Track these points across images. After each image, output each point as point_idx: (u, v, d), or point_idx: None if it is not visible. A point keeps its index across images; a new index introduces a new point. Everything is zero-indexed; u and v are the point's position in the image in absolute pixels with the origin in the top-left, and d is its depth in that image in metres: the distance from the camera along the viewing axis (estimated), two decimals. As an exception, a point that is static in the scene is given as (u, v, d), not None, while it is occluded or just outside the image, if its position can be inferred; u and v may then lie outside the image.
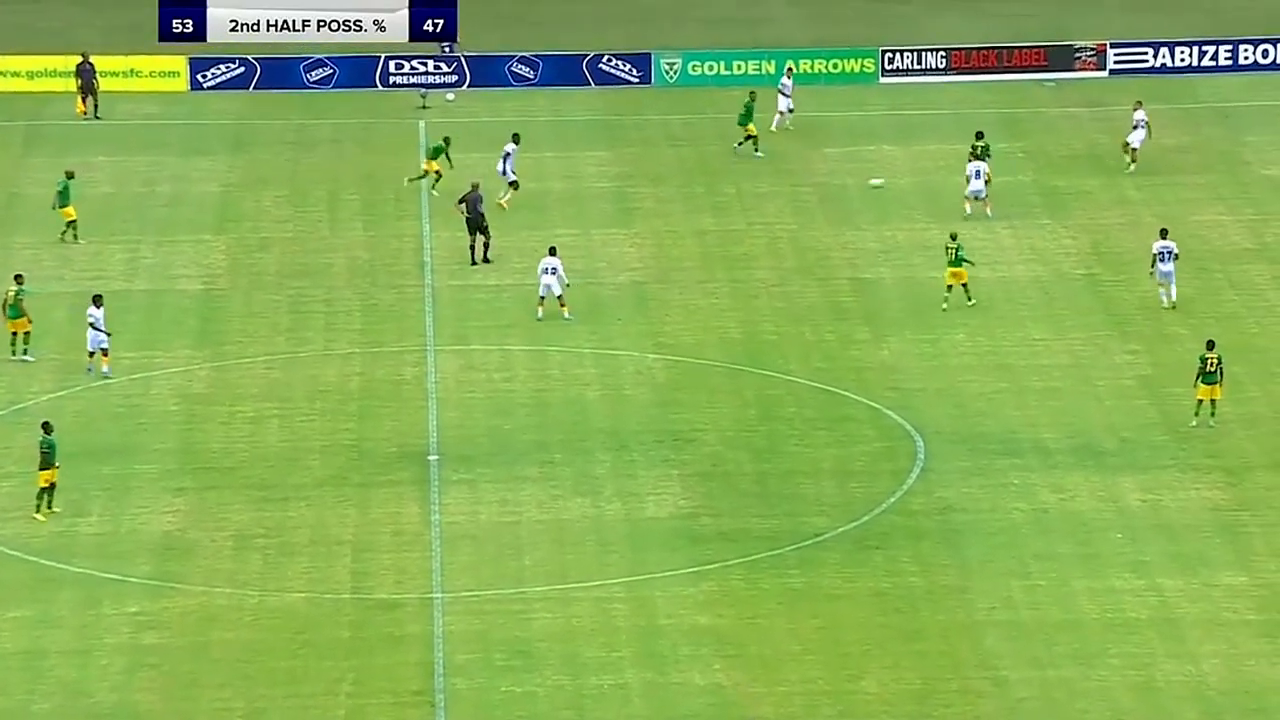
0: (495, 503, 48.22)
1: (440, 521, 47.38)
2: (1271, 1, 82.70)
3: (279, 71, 75.08)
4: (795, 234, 63.53)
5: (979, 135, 65.16)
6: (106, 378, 53.05)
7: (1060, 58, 76.69)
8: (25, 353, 54.23)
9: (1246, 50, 76.92)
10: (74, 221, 61.78)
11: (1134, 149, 67.52)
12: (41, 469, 47.11)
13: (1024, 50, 76.87)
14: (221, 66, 74.92)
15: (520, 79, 75.87)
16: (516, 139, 65.11)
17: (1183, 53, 76.98)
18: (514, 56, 76.09)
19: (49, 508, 47.15)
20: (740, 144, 68.70)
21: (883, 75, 76.34)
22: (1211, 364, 51.00)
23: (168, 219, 64.70)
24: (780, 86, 71.11)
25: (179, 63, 74.63)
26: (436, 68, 75.51)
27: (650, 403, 53.05)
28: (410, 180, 65.49)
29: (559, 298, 57.10)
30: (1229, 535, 46.64)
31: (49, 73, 73.32)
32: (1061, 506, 48.05)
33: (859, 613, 43.84)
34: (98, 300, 53.88)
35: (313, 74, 75.32)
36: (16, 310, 54.17)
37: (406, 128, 72.21)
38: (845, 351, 55.87)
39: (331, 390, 53.66)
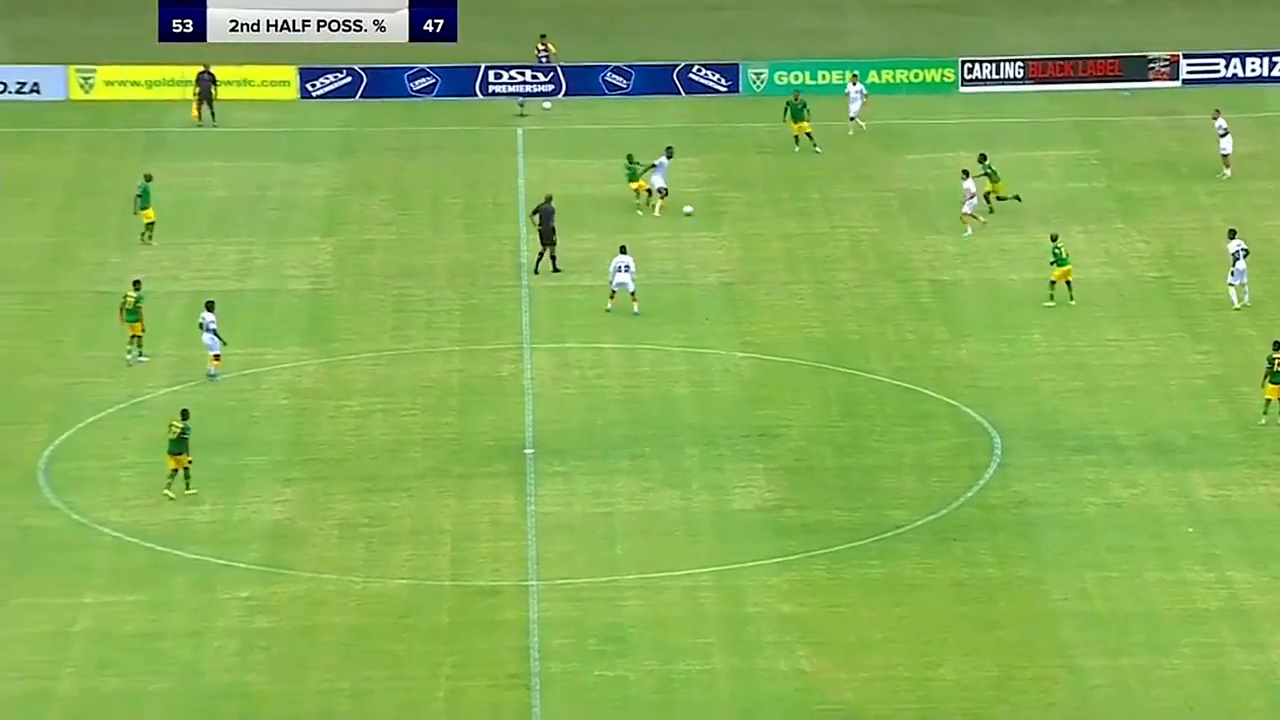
0: (588, 494, 48.25)
1: (536, 512, 47.43)
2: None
3: (384, 81, 75.35)
4: (877, 237, 63.33)
5: (982, 158, 64.29)
6: (213, 378, 52.89)
7: (1134, 68, 76.19)
8: (140, 355, 54.30)
9: (1315, 60, 76.47)
10: (152, 224, 61.77)
11: (1226, 155, 67.05)
12: (174, 453, 47.35)
13: (1099, 61, 76.42)
14: (329, 76, 75.25)
15: (614, 88, 75.89)
16: (670, 153, 65.04)
17: (1253, 63, 76.44)
18: (608, 66, 76.13)
19: (186, 489, 47.41)
20: (798, 142, 68.66)
21: (962, 85, 76.04)
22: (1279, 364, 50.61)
23: (278, 222, 65.01)
24: (847, 93, 71.23)
25: (289, 72, 75.02)
26: (534, 77, 75.64)
27: (737, 399, 52.98)
28: (647, 204, 64.03)
29: (632, 293, 57.24)
30: (1297, 530, 46.30)
31: (167, 82, 73.80)
32: (1134, 501, 47.73)
33: (938, 602, 43.66)
34: (210, 305, 53.86)
35: (416, 83, 75.55)
36: (135, 314, 54.32)
37: (505, 135, 72.33)
38: (925, 351, 55.65)
39: (433, 386, 53.81)
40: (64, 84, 75.00)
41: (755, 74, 75.92)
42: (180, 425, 47.64)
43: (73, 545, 46.07)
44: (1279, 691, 40.62)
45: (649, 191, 64.68)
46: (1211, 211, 64.81)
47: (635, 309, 57.23)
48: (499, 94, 75.47)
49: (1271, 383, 50.65)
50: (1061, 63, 76.36)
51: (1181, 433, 50.83)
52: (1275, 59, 76.34)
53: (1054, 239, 58.53)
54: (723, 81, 75.92)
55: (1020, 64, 76.16)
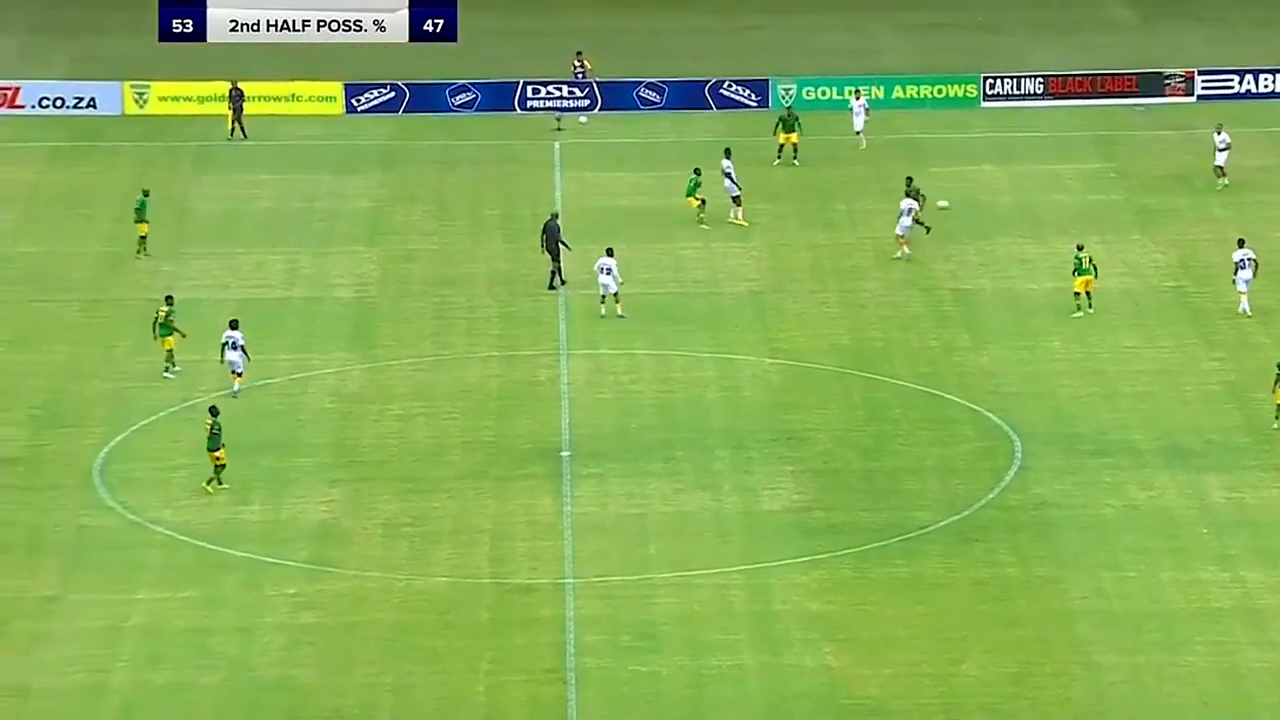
0: (622, 495, 48.26)
1: (572, 512, 47.46)
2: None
3: (426, 95, 75.47)
4: (901, 247, 63.20)
5: (909, 180, 63.43)
6: (234, 396, 52.30)
7: (1151, 84, 76.00)
8: (172, 367, 53.80)
9: (1327, 77, 76.25)
10: (144, 237, 61.50)
11: (1220, 167, 67.02)
12: (209, 450, 47.48)
13: (1117, 77, 76.24)
14: (374, 91, 75.39)
15: (647, 103, 75.91)
16: (729, 153, 64.79)
17: (1266, 79, 76.26)
18: (642, 82, 76.15)
19: (218, 484, 47.53)
20: (780, 153, 68.38)
21: (984, 100, 75.89)
22: (1292, 371, 50.46)
23: (324, 232, 65.13)
24: (851, 108, 71.22)
25: (335, 88, 75.17)
26: (571, 93, 75.68)
27: (766, 404, 52.95)
28: (700, 221, 64.25)
29: (614, 295, 57.07)
30: (1308, 532, 46.14)
31: (217, 97, 74.00)
32: (1150, 503, 47.61)
33: (960, 601, 43.60)
34: (234, 324, 52.70)
35: (457, 98, 75.65)
36: (167, 329, 54.04)
37: (542, 148, 72.38)
38: (948, 357, 55.56)
39: (472, 391, 53.87)
40: (119, 99, 75.25)
41: (785, 90, 75.80)
42: (209, 422, 47.72)
43: (127, 544, 46.21)
44: (1290, 688, 40.52)
45: (700, 202, 64.26)
46: (1225, 224, 64.62)
47: (619, 311, 56.96)
48: (536, 109, 75.54)
49: (1283, 389, 50.50)
50: (1081, 79, 76.19)
51: (1196, 437, 50.68)
52: (1288, 76, 76.18)
53: (1080, 248, 58.33)
54: (753, 96, 75.88)
55: (1040, 80, 76.01)
